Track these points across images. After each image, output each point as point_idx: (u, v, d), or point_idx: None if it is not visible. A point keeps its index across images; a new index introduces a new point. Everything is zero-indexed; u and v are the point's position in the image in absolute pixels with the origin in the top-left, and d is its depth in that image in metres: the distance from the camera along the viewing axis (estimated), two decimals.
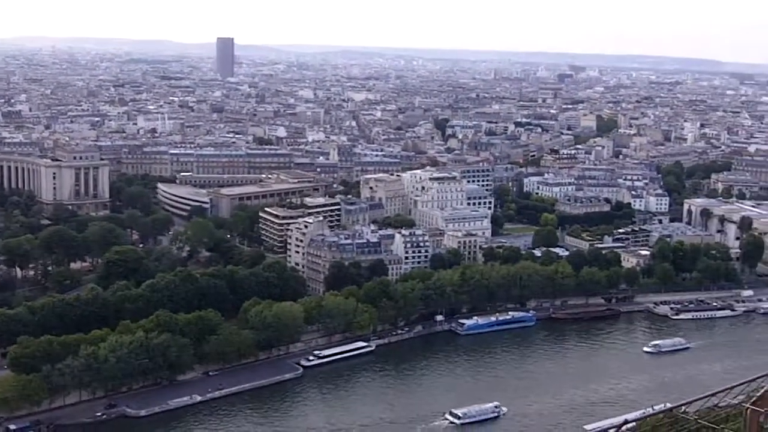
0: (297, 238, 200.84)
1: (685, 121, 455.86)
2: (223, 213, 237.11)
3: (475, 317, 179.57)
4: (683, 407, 20.60)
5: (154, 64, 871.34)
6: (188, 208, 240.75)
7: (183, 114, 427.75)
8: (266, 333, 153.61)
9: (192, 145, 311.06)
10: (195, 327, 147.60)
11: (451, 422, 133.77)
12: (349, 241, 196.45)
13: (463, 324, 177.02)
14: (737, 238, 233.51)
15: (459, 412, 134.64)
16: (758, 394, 18.98)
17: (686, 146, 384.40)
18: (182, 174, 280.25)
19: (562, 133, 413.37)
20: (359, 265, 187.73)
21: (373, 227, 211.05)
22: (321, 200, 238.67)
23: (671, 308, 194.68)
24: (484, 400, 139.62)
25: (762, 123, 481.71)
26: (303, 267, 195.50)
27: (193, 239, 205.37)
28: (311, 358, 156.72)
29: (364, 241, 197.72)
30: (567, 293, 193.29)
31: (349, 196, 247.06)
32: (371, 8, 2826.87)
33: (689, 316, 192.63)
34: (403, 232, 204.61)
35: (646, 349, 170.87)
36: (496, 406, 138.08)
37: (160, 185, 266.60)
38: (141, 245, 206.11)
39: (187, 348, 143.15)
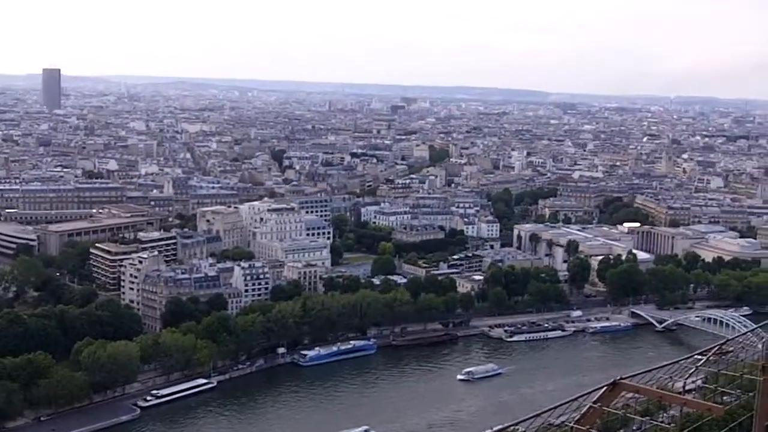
0: (131, 275, 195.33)
1: (512, 149, 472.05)
2: (51, 250, 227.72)
3: (317, 348, 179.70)
4: (514, 427, 21.65)
5: None
6: (14, 246, 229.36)
7: (7, 148, 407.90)
8: (100, 374, 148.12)
9: (17, 180, 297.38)
10: (24, 371, 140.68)
11: None
12: (186, 276, 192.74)
13: (306, 355, 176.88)
14: (565, 261, 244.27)
15: None
16: (582, 412, 20.25)
17: (514, 174, 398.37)
18: (7, 210, 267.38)
19: (396, 164, 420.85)
20: (197, 299, 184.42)
21: (211, 260, 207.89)
22: (156, 234, 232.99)
23: (505, 331, 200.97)
24: (352, 426, 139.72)
25: (584, 150, 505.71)
26: (138, 304, 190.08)
27: (19, 279, 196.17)
28: (149, 398, 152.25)
29: (202, 275, 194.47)
30: (406, 320, 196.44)
31: (186, 230, 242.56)
32: (203, 39, 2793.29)
33: (523, 337, 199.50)
34: (242, 264, 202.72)
35: (459, 376, 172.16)
36: (365, 431, 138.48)
37: None
38: None
39: (16, 393, 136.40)
